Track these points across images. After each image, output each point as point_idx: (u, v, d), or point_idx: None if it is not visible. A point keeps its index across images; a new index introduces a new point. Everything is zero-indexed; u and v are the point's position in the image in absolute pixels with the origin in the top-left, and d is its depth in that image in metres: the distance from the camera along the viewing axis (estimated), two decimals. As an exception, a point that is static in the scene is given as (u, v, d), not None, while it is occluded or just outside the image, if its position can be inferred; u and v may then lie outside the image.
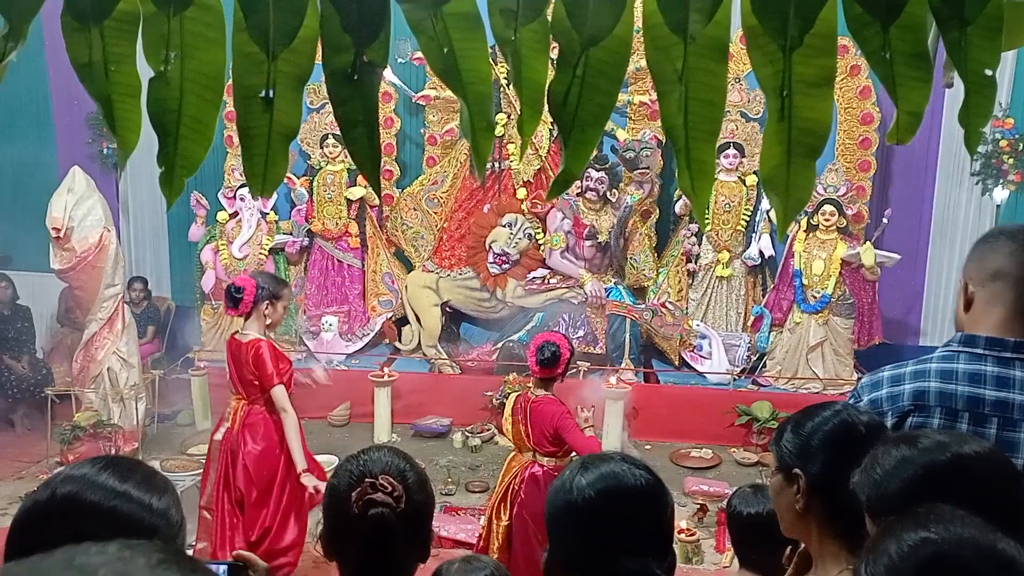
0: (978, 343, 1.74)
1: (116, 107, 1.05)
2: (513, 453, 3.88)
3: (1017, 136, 6.87)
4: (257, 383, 3.93)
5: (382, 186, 7.19)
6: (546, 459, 3.64)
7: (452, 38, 1.03)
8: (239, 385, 4.03)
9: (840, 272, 6.54)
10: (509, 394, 3.75)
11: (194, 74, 1.03)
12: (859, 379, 6.53)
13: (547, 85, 1.08)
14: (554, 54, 1.06)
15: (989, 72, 1.04)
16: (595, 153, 6.16)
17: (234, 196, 7.11)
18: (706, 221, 5.25)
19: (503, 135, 7.02)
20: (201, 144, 1.05)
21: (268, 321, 3.95)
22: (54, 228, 5.56)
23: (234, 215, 7.13)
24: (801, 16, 1.01)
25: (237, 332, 4.04)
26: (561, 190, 1.15)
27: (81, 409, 5.76)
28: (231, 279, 6.98)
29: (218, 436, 4.17)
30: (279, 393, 3.87)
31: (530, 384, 3.87)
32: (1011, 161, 6.89)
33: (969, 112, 1.07)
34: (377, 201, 7.29)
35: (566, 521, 1.45)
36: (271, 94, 1.04)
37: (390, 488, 1.57)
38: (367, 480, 1.58)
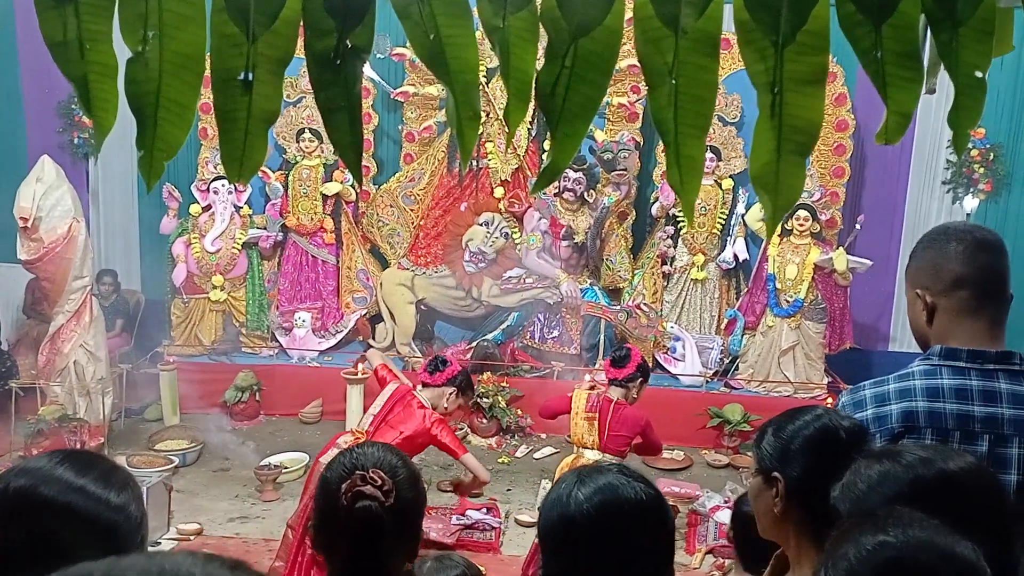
0: (960, 356, 1.69)
1: (92, 87, 1.01)
2: (575, 456, 3.93)
3: (988, 146, 6.96)
4: (399, 439, 3.80)
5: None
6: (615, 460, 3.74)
7: (439, 24, 1.01)
8: (376, 426, 3.89)
9: (813, 277, 6.59)
10: (584, 392, 3.98)
11: (173, 55, 0.99)
12: (829, 383, 6.61)
13: (535, 75, 1.06)
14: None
15: (979, 74, 1.03)
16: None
17: (207, 189, 7.01)
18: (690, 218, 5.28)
19: (481, 132, 6.99)
20: (180, 127, 1.01)
21: (445, 405, 3.99)
22: (22, 218, 5.45)
23: (207, 208, 7.04)
24: (794, 12, 1.00)
25: (417, 387, 3.98)
26: (547, 183, 1.13)
27: (46, 403, 5.66)
28: (202, 272, 6.95)
29: (324, 458, 4.00)
30: (468, 460, 3.96)
31: (593, 384, 4.04)
32: (981, 170, 6.99)
33: (958, 114, 1.07)
34: (354, 196, 7.23)
35: (562, 535, 1.40)
36: (250, 77, 1.00)
37: (380, 482, 1.57)
38: (357, 472, 1.59)
